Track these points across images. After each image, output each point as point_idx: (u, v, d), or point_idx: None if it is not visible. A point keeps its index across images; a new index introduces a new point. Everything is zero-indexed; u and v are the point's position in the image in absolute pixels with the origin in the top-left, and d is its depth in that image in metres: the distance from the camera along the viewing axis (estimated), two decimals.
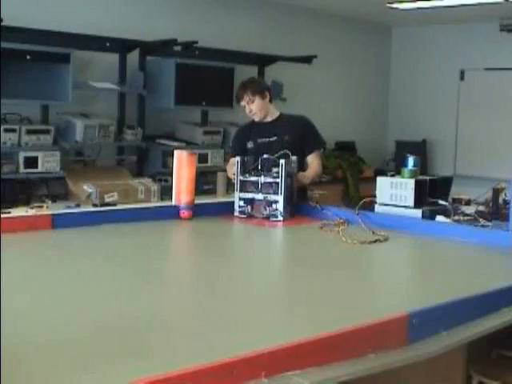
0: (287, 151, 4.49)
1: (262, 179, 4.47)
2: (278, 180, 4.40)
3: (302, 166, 4.92)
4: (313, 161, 4.97)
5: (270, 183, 4.44)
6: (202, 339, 2.14)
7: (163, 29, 6.99)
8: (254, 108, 4.95)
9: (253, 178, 4.51)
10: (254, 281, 3.03)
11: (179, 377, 1.64)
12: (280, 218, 4.40)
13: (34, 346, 2.00)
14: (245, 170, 4.56)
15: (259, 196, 4.48)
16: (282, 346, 1.84)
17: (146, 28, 6.95)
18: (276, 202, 4.42)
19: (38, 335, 2.10)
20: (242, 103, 4.99)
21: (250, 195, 4.51)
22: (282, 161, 4.39)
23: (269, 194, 4.44)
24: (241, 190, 4.54)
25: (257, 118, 5.01)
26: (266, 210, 4.46)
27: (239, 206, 4.54)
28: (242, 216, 4.51)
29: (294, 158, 4.50)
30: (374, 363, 2.00)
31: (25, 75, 5.81)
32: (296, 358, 1.85)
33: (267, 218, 4.44)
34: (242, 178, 4.54)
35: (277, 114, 5.06)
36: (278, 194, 4.41)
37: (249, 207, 4.51)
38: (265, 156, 4.54)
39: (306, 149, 4.95)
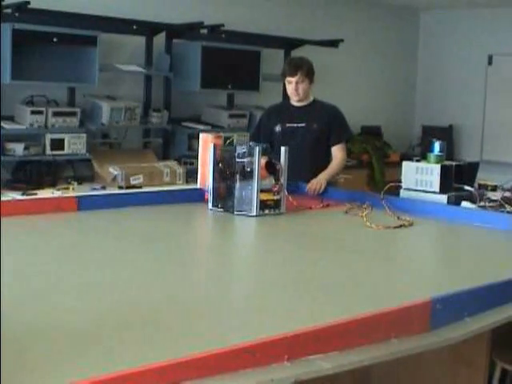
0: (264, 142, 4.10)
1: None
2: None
3: (329, 156, 4.90)
4: (336, 155, 4.92)
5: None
6: (224, 323, 2.15)
7: (189, 12, 6.97)
8: (301, 89, 4.87)
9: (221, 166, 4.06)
10: (278, 265, 3.03)
11: (202, 359, 1.65)
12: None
13: (57, 327, 2.02)
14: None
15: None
16: (304, 329, 1.85)
17: (172, 11, 6.93)
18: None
19: (60, 317, 2.13)
20: (291, 79, 4.87)
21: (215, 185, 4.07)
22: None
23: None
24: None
25: (296, 99, 4.92)
26: None
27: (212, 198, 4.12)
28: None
29: (283, 148, 4.09)
30: (397, 348, 2.00)
31: (51, 58, 5.83)
32: (319, 342, 1.86)
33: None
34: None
35: (311, 99, 4.99)
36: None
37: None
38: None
39: (332, 139, 4.91)
